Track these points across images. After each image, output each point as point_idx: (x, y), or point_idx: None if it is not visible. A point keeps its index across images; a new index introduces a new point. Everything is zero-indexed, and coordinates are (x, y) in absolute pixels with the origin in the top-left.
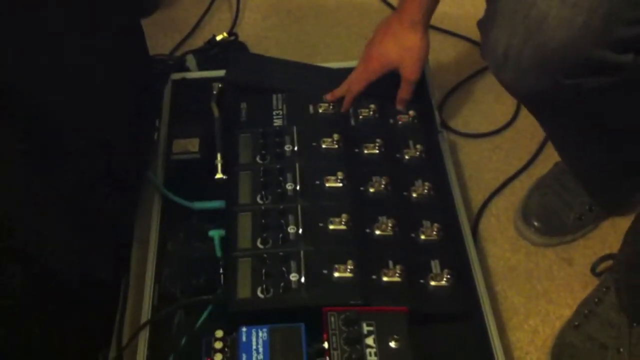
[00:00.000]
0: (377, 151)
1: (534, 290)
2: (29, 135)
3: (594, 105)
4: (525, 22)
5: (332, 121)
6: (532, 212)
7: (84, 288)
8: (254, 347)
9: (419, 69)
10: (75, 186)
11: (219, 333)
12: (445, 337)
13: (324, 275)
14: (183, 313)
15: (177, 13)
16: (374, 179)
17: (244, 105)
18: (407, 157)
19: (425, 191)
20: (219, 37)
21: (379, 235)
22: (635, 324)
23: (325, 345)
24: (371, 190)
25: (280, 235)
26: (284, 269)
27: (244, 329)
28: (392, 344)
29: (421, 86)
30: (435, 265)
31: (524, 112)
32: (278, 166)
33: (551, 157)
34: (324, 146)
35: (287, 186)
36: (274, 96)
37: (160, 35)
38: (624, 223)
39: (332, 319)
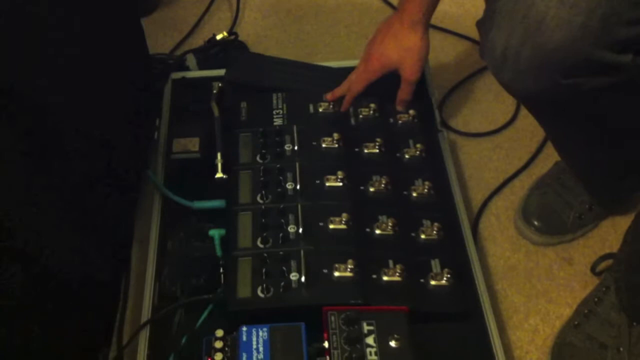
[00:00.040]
0: (377, 150)
1: (534, 290)
2: (29, 135)
3: (593, 105)
4: (524, 23)
5: (332, 120)
6: (532, 212)
7: (84, 288)
8: (254, 346)
9: (419, 69)
10: (75, 186)
11: (219, 332)
12: (446, 336)
13: (324, 274)
14: (183, 312)
15: (177, 12)
16: (374, 178)
17: (244, 104)
18: (407, 156)
19: (426, 190)
20: (219, 37)
21: (379, 234)
22: (635, 324)
23: (326, 344)
24: (371, 189)
25: (281, 234)
26: (284, 268)
27: (244, 328)
28: (393, 343)
29: (421, 85)
30: (435, 264)
31: (524, 111)
32: (278, 165)
33: (551, 156)
34: (324, 145)
35: (287, 185)
36: (274, 95)
37: (160, 35)
38: (624, 222)
39: (333, 318)
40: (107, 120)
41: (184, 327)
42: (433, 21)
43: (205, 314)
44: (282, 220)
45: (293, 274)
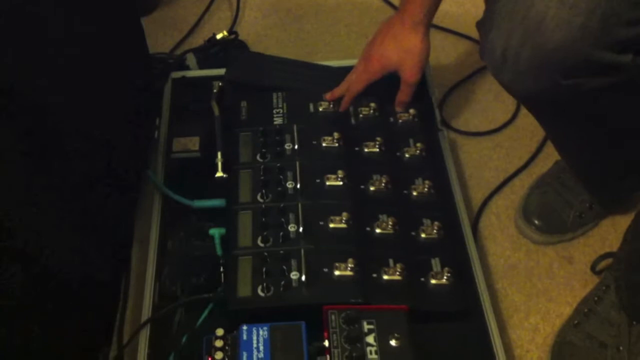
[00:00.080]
0: (378, 150)
1: (535, 288)
2: (29, 135)
3: (593, 105)
4: (524, 23)
5: (332, 120)
6: (532, 211)
7: (84, 288)
8: (255, 345)
9: (419, 71)
10: (75, 186)
11: (220, 331)
12: (446, 335)
13: (324, 273)
14: (183, 311)
15: (177, 11)
16: (374, 177)
17: (244, 103)
18: (407, 155)
19: (426, 189)
20: (219, 36)
21: (379, 233)
22: (634, 323)
23: (326, 343)
24: (371, 188)
25: (281, 233)
26: (284, 267)
27: (244, 327)
28: (393, 342)
29: (421, 85)
30: (435, 263)
31: (524, 110)
32: (278, 165)
33: (551, 155)
34: (324, 145)
35: (287, 185)
36: (274, 95)
37: (160, 34)
38: (624, 221)
39: (333, 317)
40: (107, 120)
41: (185, 326)
42: (433, 20)
43: (206, 313)
44: (283, 219)
45: (293, 273)
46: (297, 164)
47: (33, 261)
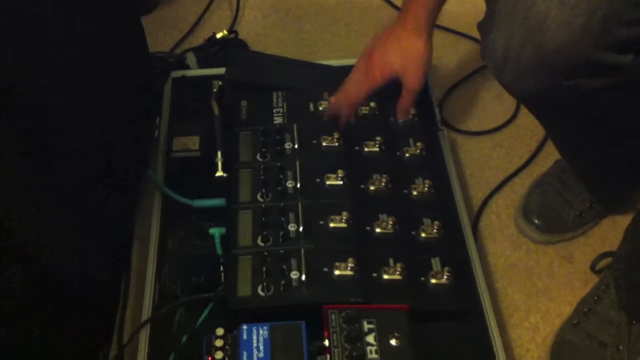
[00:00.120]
0: (378, 149)
1: (535, 288)
2: (29, 135)
3: (594, 105)
4: (525, 24)
5: (332, 119)
6: (532, 210)
7: (84, 288)
8: (255, 344)
9: (423, 77)
10: (75, 186)
11: (220, 331)
12: (446, 335)
13: (324, 273)
14: (184, 311)
15: (177, 11)
16: (375, 176)
17: (244, 103)
18: (407, 155)
19: (426, 189)
20: (219, 35)
21: (379, 233)
22: (634, 322)
23: (326, 342)
24: (371, 188)
25: (281, 233)
26: (284, 266)
27: (244, 327)
28: (393, 342)
29: None
30: (435, 262)
31: (524, 109)
32: (278, 164)
33: (551, 154)
34: (324, 144)
35: (287, 184)
36: (275, 94)
37: (160, 33)
38: (624, 221)
39: (333, 316)
40: (107, 120)
41: (185, 326)
42: None
43: (206, 312)
44: (283, 219)
45: (293, 272)
46: (297, 163)
47: (33, 261)
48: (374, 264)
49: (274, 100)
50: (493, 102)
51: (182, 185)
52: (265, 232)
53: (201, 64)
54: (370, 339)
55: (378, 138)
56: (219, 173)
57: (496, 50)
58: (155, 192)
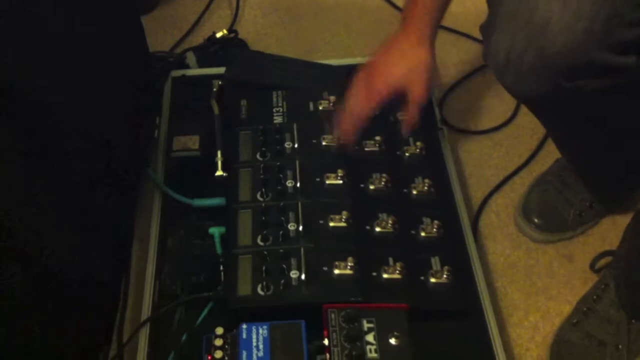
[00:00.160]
0: (377, 148)
1: (534, 287)
2: (29, 135)
3: (595, 106)
4: (528, 28)
5: (332, 118)
6: (532, 209)
7: (84, 288)
8: (254, 344)
9: (428, 87)
10: (75, 186)
11: (219, 330)
12: (446, 334)
13: (324, 272)
14: (183, 310)
15: (177, 10)
16: (374, 176)
17: (244, 102)
18: (407, 154)
19: (426, 188)
20: (218, 34)
21: (379, 232)
22: (633, 321)
23: (326, 342)
24: (371, 187)
25: (281, 232)
26: (284, 266)
27: (244, 326)
28: (393, 341)
29: None
30: (435, 262)
31: (524, 109)
32: (278, 163)
33: (551, 153)
34: (324, 143)
35: (287, 183)
36: (274, 93)
37: (160, 33)
38: (623, 220)
39: (333, 315)
40: (107, 120)
41: (184, 325)
42: None
43: (206, 311)
44: (282, 218)
45: (293, 271)
46: (297, 162)
47: (33, 261)
48: (374, 263)
49: (274, 99)
50: (493, 102)
51: (182, 185)
52: (265, 232)
53: (201, 64)
54: (370, 338)
55: (378, 137)
56: (219, 172)
57: (499, 52)
58: (155, 192)
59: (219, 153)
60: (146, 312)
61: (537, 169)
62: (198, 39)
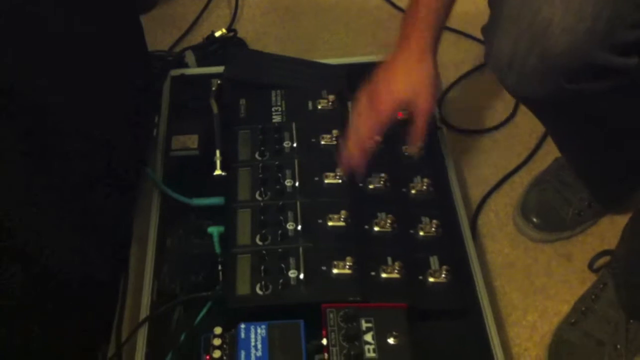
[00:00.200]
0: (376, 147)
1: (533, 286)
2: (29, 135)
3: (596, 106)
4: (530, 30)
5: (331, 117)
6: (530, 208)
7: (84, 287)
8: (253, 343)
9: (434, 100)
10: (75, 186)
11: (218, 330)
12: (444, 333)
13: (322, 271)
14: (182, 309)
15: (176, 9)
16: (373, 175)
17: (243, 101)
18: (406, 153)
19: (424, 187)
20: (217, 33)
21: (377, 231)
22: (632, 320)
23: (324, 341)
24: (370, 186)
25: (279, 231)
26: (283, 265)
27: (242, 326)
28: (391, 340)
29: None
30: (434, 261)
31: (523, 108)
32: (277, 163)
33: (550, 152)
34: (323, 142)
35: (286, 183)
36: (273, 92)
37: (159, 32)
38: (622, 219)
39: (331, 315)
40: (107, 120)
41: (183, 325)
42: None
43: (204, 311)
44: (281, 218)
45: (292, 271)
46: (296, 161)
47: (33, 261)
48: (373, 262)
49: (273, 98)
50: (492, 101)
51: (181, 184)
52: (263, 231)
53: (200, 63)
54: (369, 337)
55: (376, 137)
56: (218, 172)
57: (501, 55)
58: (154, 191)
59: (217, 152)
60: (145, 311)
61: (536, 168)
62: (197, 38)
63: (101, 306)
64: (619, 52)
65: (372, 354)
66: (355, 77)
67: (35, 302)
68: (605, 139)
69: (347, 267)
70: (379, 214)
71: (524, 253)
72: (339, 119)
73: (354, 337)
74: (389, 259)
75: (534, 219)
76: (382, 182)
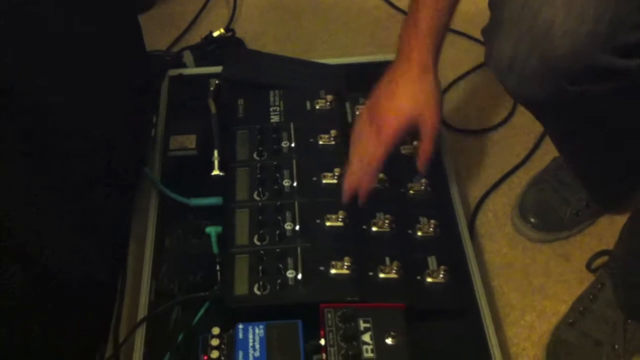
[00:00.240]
0: None
1: (531, 286)
2: (29, 135)
3: (597, 108)
4: (531, 31)
5: (329, 117)
6: (529, 208)
7: (84, 287)
8: (251, 344)
9: (440, 115)
10: (75, 186)
11: (216, 330)
12: (442, 334)
13: (320, 271)
14: (180, 310)
15: (174, 9)
16: None
17: (241, 101)
18: (404, 152)
19: (422, 187)
20: (216, 33)
21: (375, 231)
22: (629, 321)
23: (322, 341)
24: None
25: (277, 231)
26: (280, 265)
27: (240, 326)
28: (389, 341)
29: None
30: (431, 261)
31: (521, 108)
32: (275, 163)
33: (548, 152)
34: (321, 142)
35: (284, 183)
36: (271, 92)
37: (157, 31)
38: (620, 219)
39: (329, 315)
40: (106, 120)
41: (181, 325)
42: None
43: (202, 311)
44: (279, 218)
45: (290, 271)
46: (294, 161)
47: (33, 261)
48: (371, 262)
49: (271, 98)
50: (490, 101)
51: (179, 184)
52: (261, 231)
53: (198, 63)
54: (366, 337)
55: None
56: (216, 172)
57: (502, 56)
58: (152, 191)
59: (215, 152)
60: (142, 311)
61: (534, 168)
62: (195, 37)
63: (101, 306)
64: (621, 54)
65: (370, 354)
66: (354, 77)
67: (35, 302)
68: (606, 140)
69: (345, 267)
70: (377, 214)
71: (522, 253)
72: (337, 119)
73: (352, 337)
74: (387, 259)
75: (532, 219)
76: (380, 182)
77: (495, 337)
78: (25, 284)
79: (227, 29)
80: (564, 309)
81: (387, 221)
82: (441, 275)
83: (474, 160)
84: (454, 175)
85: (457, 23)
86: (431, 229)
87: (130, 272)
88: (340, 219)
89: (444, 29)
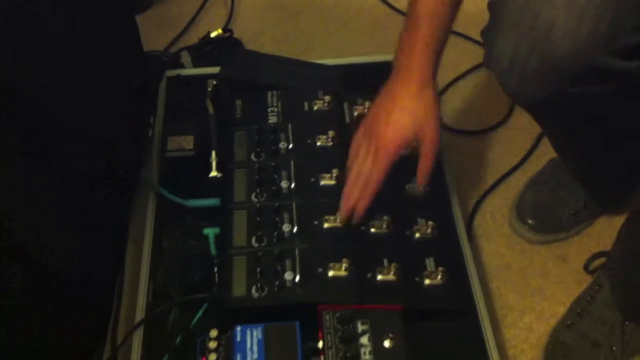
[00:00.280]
0: None
1: (529, 288)
2: (29, 135)
3: (597, 109)
4: (532, 33)
5: (327, 118)
6: (526, 209)
7: (83, 288)
8: (249, 346)
9: (439, 131)
10: (75, 186)
11: (214, 332)
12: (440, 335)
13: (318, 273)
14: (178, 311)
15: (172, 9)
16: None
17: (239, 102)
18: (402, 153)
19: (420, 188)
20: (213, 34)
21: (373, 233)
22: (627, 322)
23: (320, 343)
24: None
25: (275, 233)
26: (278, 267)
27: (238, 328)
28: (387, 343)
29: None
30: (429, 263)
31: (519, 109)
32: (273, 163)
33: (546, 153)
34: (318, 143)
35: (282, 184)
36: (269, 93)
37: (155, 32)
38: (618, 220)
39: (327, 317)
40: (106, 120)
41: (179, 326)
42: None
43: (200, 313)
44: (277, 219)
45: (288, 272)
46: (292, 162)
47: (33, 261)
48: (368, 264)
49: (269, 99)
50: (487, 101)
51: (177, 185)
52: (259, 232)
53: (196, 63)
54: (364, 339)
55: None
56: (214, 173)
57: (502, 58)
58: (150, 192)
59: (213, 153)
60: (140, 313)
61: (531, 169)
62: (193, 38)
63: (101, 306)
64: (621, 56)
65: (367, 356)
66: (353, 77)
67: (35, 302)
68: (605, 141)
69: (343, 268)
70: (375, 215)
71: (520, 254)
72: (335, 119)
73: (350, 339)
74: (385, 261)
75: (530, 221)
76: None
77: (493, 339)
78: (25, 284)
79: (224, 30)
80: (562, 310)
81: (385, 222)
82: (439, 277)
83: (471, 161)
84: (451, 176)
85: (457, 23)
86: (429, 231)
87: (128, 273)
88: (338, 221)
89: (443, 40)
